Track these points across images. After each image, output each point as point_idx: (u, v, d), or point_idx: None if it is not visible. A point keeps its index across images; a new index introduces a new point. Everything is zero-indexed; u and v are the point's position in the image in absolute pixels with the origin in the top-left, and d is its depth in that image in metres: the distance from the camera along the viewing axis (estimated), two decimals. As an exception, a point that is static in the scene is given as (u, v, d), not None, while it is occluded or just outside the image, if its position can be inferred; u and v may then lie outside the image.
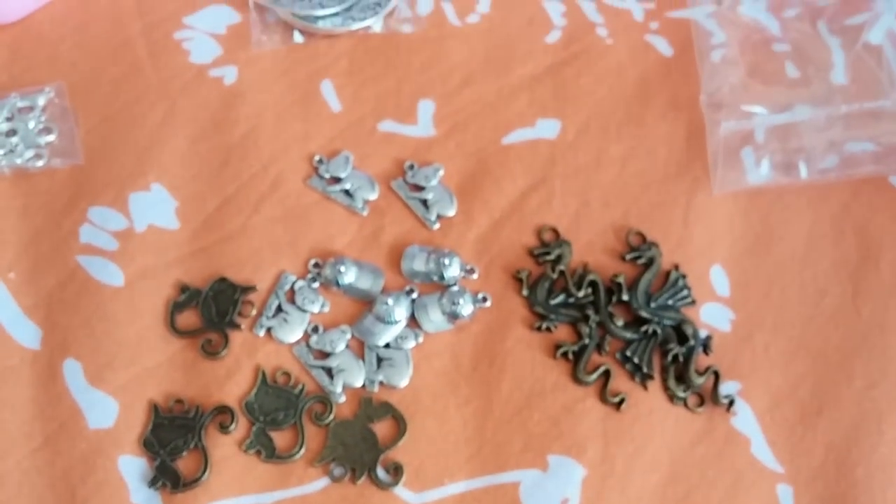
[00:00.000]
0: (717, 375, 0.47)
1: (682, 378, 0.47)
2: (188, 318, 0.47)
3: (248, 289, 0.48)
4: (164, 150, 0.52)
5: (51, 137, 0.52)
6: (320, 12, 0.56)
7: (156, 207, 0.50)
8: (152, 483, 0.43)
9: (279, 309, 0.48)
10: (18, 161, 0.51)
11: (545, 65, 0.57)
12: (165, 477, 0.43)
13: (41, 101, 0.53)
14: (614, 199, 0.52)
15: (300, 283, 0.48)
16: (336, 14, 0.56)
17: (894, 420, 0.46)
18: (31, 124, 0.52)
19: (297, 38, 0.56)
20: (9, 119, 0.52)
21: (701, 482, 0.45)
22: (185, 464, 0.44)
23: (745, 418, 0.46)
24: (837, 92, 0.57)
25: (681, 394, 0.46)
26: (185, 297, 0.48)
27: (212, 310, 0.47)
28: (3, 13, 0.56)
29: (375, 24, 0.57)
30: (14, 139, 0.51)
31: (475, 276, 0.50)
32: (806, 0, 0.60)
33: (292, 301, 0.48)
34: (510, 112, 0.55)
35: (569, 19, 0.58)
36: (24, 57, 0.55)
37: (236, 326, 0.47)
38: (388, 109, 0.54)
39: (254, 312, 0.48)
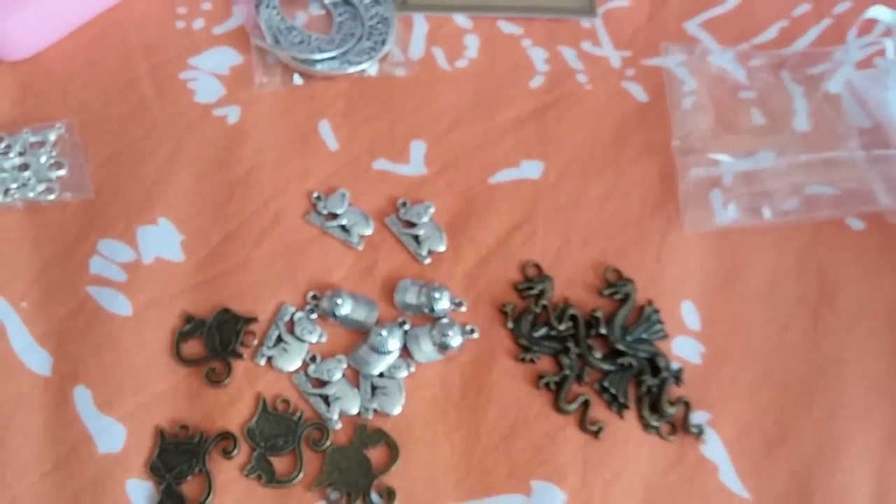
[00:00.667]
0: (687, 406, 0.48)
1: (655, 408, 0.48)
2: (193, 348, 0.48)
3: (250, 319, 0.49)
4: (171, 186, 0.53)
5: (61, 172, 0.52)
6: (318, 56, 0.57)
7: (162, 241, 0.51)
8: (158, 506, 0.44)
9: (279, 339, 0.49)
10: (31, 194, 0.51)
11: (529, 108, 0.58)
12: (171, 500, 0.44)
13: (52, 137, 0.53)
14: (593, 237, 0.54)
15: (299, 315, 0.49)
16: (333, 58, 0.57)
17: (849, 449, 0.48)
18: (43, 159, 0.52)
19: (297, 80, 0.57)
20: (21, 154, 0.52)
21: (673, 506, 0.46)
22: (189, 488, 0.45)
23: (713, 446, 0.48)
24: (799, 139, 0.59)
25: (654, 423, 0.48)
26: (190, 327, 0.48)
27: (215, 339, 0.48)
28: (15, 50, 0.56)
29: (370, 67, 0.58)
30: (27, 173, 0.52)
31: (463, 308, 0.51)
32: (771, 50, 0.63)
33: (292, 332, 0.49)
34: (496, 153, 0.56)
35: (551, 65, 0.60)
36: (35, 93, 0.56)
37: (238, 356, 0.48)
38: (383, 149, 0.56)
39: (255, 342, 0.49)
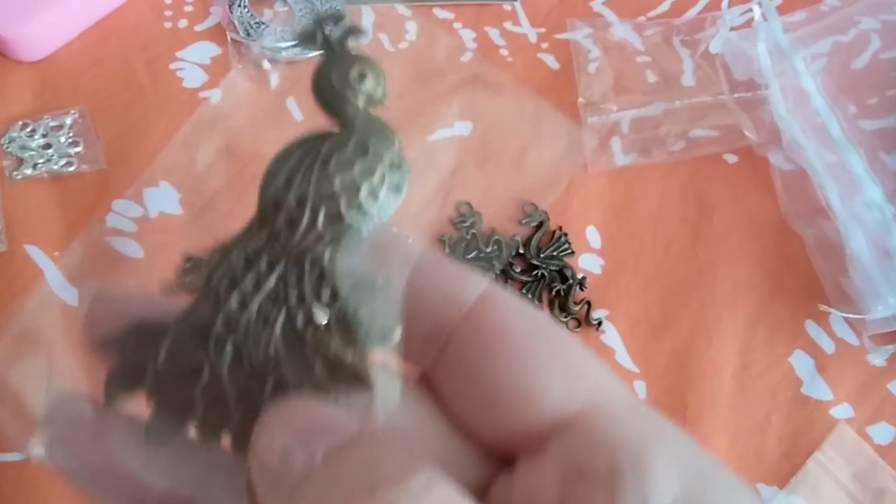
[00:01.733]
0: (589, 305, 0.59)
1: (563, 307, 0.59)
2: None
3: (238, 256, 0.60)
4: (167, 156, 0.63)
5: (78, 149, 0.62)
6: (283, 45, 0.67)
7: (164, 199, 0.61)
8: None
9: (262, 270, 0.59)
10: (55, 167, 0.61)
11: (460, 79, 0.69)
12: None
13: (68, 121, 0.63)
14: (514, 179, 0.64)
15: (277, 251, 0.60)
16: (296, 45, 0.68)
17: (720, 331, 0.59)
18: (62, 139, 0.63)
19: (266, 65, 0.68)
20: (44, 135, 0.63)
21: (578, 381, 0.57)
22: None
23: (611, 335, 0.59)
24: (686, 92, 0.70)
25: (563, 319, 0.59)
26: (191, 264, 0.59)
27: (211, 273, 0.59)
28: (33, 52, 0.66)
29: (327, 52, 0.69)
30: (50, 151, 0.62)
31: (410, 240, 0.62)
32: (663, 21, 0.74)
33: (271, 264, 0.60)
34: (433, 116, 0.67)
35: (478, 43, 0.71)
36: (51, 87, 0.65)
37: (230, 284, 0.59)
38: (339, 118, 0.66)
39: (243, 274, 0.59)
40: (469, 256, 0.61)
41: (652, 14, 0.74)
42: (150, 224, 0.62)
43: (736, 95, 0.66)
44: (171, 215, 0.63)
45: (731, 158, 0.67)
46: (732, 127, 0.67)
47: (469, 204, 0.63)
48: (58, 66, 0.66)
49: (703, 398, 0.56)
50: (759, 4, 0.70)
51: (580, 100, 0.68)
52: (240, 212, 0.62)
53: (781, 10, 0.71)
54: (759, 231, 0.63)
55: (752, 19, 0.73)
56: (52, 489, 0.52)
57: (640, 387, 0.57)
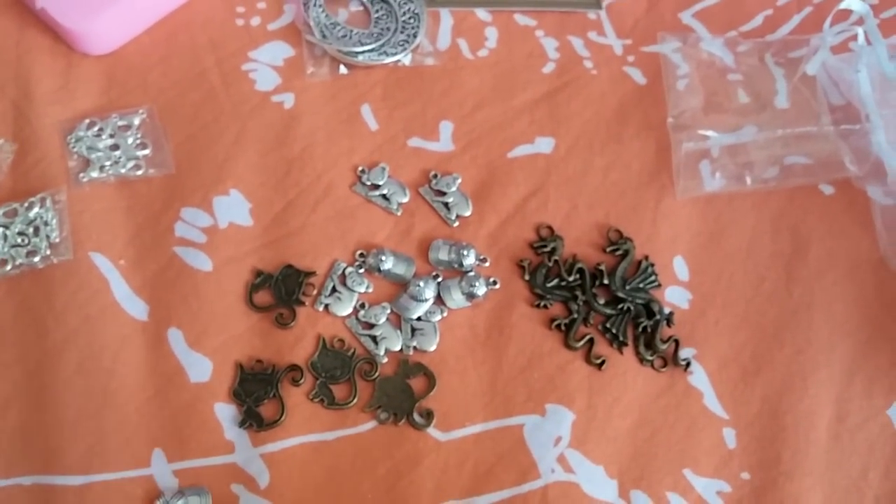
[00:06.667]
0: (677, 343, 0.57)
1: (649, 345, 0.57)
2: (263, 297, 0.57)
3: (310, 273, 0.57)
4: (239, 162, 0.61)
5: (146, 151, 0.60)
6: (360, 49, 0.65)
7: (234, 208, 0.59)
8: (241, 424, 0.53)
9: (334, 289, 0.57)
10: (122, 171, 0.59)
11: (542, 91, 0.66)
12: (252, 419, 0.53)
13: (136, 121, 0.61)
14: (597, 202, 0.62)
15: (349, 269, 0.58)
16: (372, 49, 0.65)
17: (816, 378, 0.56)
18: (130, 140, 0.60)
19: (342, 69, 0.65)
20: (112, 136, 0.60)
21: (663, 425, 0.55)
22: (265, 409, 0.53)
23: (699, 377, 0.56)
24: (779, 115, 0.66)
25: (649, 357, 0.56)
26: (261, 279, 0.57)
27: (282, 290, 0.57)
28: (99, 45, 0.63)
29: (404, 57, 0.66)
30: (117, 153, 0.60)
31: (487, 264, 0.59)
32: (756, 37, 0.70)
33: (344, 283, 0.57)
34: (514, 131, 0.64)
35: (561, 53, 0.68)
36: (118, 83, 0.63)
37: (301, 303, 0.57)
38: (416, 129, 0.63)
39: (314, 292, 0.57)
40: (550, 284, 0.58)
41: (744, 28, 0.70)
42: (220, 235, 0.60)
43: (842, 127, 0.63)
44: (242, 226, 0.60)
45: (828, 190, 0.63)
46: (830, 156, 0.64)
47: (550, 227, 0.61)
48: (125, 61, 0.64)
49: (796, 451, 0.54)
50: (863, 26, 0.67)
51: (669, 119, 0.65)
52: (313, 225, 0.60)
53: (885, 29, 0.67)
54: (857, 271, 0.60)
55: (849, 39, 0.69)
56: None
57: (729, 434, 0.55)
